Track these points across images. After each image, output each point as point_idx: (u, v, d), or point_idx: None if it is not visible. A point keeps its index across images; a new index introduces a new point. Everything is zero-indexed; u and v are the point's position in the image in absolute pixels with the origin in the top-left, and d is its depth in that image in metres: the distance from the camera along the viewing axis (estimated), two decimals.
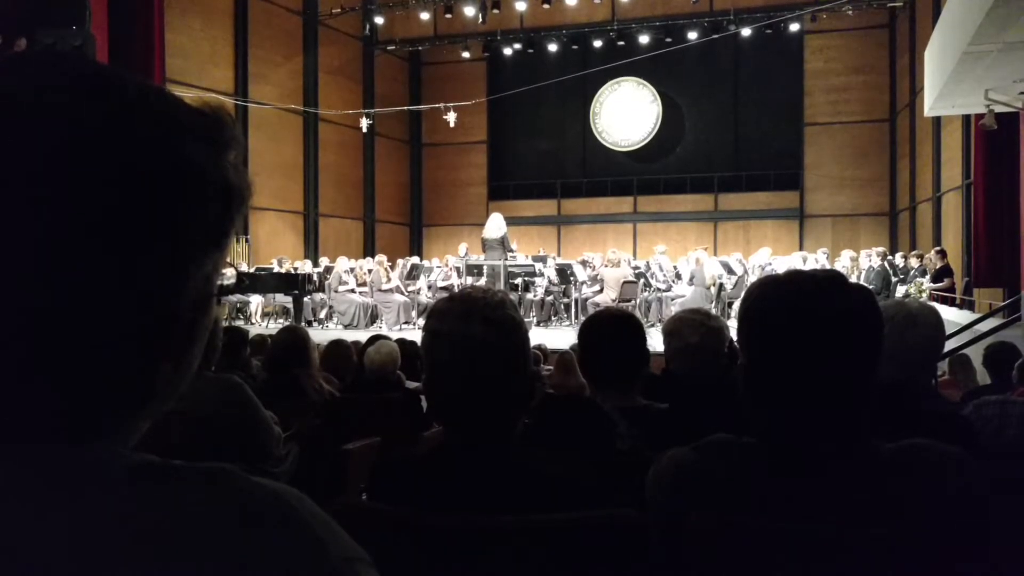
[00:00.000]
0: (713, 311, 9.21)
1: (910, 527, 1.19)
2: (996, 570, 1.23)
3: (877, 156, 20.75)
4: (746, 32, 19.41)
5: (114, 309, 0.52)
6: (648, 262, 14.98)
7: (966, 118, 12.93)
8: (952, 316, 9.91)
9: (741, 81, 21.82)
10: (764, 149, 21.49)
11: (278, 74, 19.28)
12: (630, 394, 2.28)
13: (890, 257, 14.42)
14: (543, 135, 22.99)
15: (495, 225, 13.36)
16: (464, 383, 1.40)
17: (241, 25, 18.11)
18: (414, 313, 13.82)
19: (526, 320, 1.52)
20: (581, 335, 2.39)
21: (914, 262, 13.52)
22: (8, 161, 0.50)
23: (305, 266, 15.04)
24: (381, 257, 14.82)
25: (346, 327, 13.29)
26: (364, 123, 19.94)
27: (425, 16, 20.47)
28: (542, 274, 13.81)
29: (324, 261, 15.67)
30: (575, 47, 21.33)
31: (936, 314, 2.24)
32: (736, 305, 12.19)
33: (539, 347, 7.21)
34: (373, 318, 13.79)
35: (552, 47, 21.33)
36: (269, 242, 18.17)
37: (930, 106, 10.28)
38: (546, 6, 19.39)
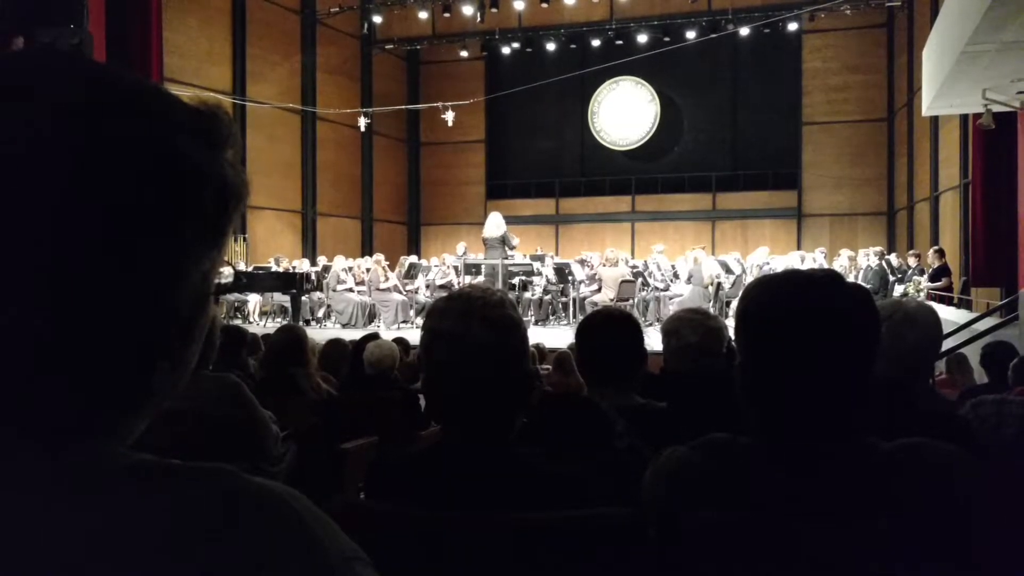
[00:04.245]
0: (711, 310, 9.22)
1: (907, 526, 1.19)
2: (993, 569, 1.23)
3: (875, 155, 20.77)
4: (744, 31, 19.41)
5: (111, 308, 0.52)
6: (646, 261, 14.98)
7: (964, 118, 12.94)
8: (949, 315, 9.92)
9: (739, 80, 21.83)
10: (762, 148, 21.50)
11: (276, 73, 19.27)
12: (628, 393, 2.29)
13: (887, 256, 14.43)
14: (541, 134, 22.98)
15: (494, 224, 13.36)
16: (463, 382, 1.40)
17: (239, 24, 18.09)
18: (412, 312, 13.81)
19: (524, 319, 1.52)
20: (579, 334, 2.39)
21: (912, 261, 13.54)
22: (4, 160, 0.50)
23: (303, 265, 15.04)
24: (379, 256, 14.82)
25: (344, 326, 13.29)
26: (362, 122, 19.93)
27: (423, 15, 20.45)
28: (540, 273, 13.81)
29: (322, 260, 15.66)
30: (573, 46, 21.31)
31: (933, 313, 2.24)
32: (734, 304, 12.19)
33: (537, 346, 7.21)
34: (371, 317, 13.79)
35: (550, 46, 21.31)
36: (267, 241, 18.16)
37: (928, 106, 10.29)
38: (544, 5, 19.38)
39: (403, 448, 2.86)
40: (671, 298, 13.58)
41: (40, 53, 0.54)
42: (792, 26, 19.47)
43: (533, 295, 13.86)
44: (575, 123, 22.80)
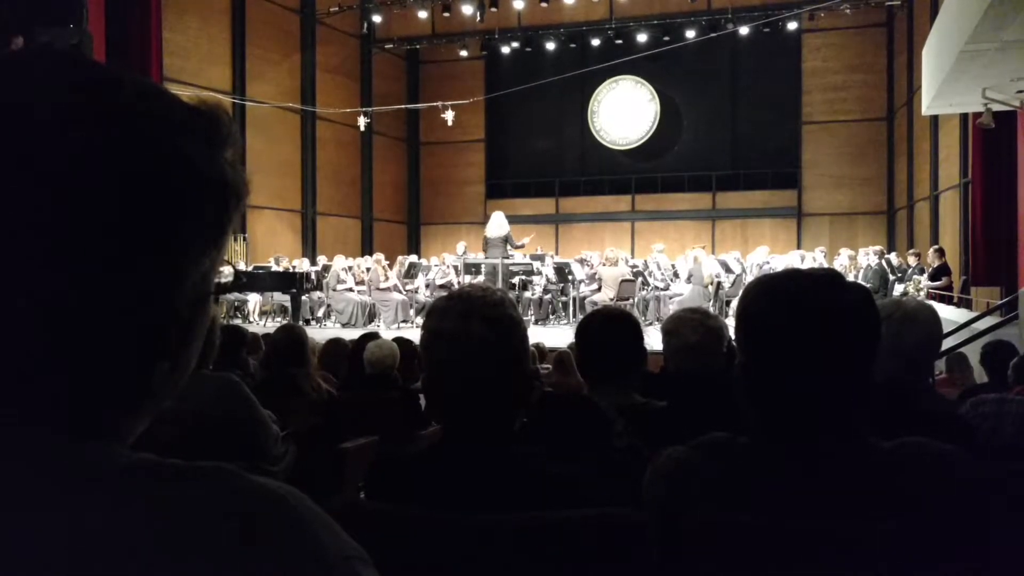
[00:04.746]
0: (711, 310, 9.21)
1: (907, 525, 1.19)
2: (993, 568, 1.23)
3: (875, 155, 20.77)
4: (744, 31, 19.41)
5: (112, 308, 0.52)
6: (646, 260, 14.98)
7: (964, 117, 12.94)
8: (949, 314, 9.92)
9: (739, 79, 21.83)
10: (762, 147, 21.50)
11: (276, 72, 19.26)
12: (628, 392, 2.29)
13: (887, 256, 14.44)
14: (541, 134, 22.98)
15: (497, 223, 13.35)
16: (463, 382, 1.40)
17: (239, 23, 18.09)
18: (412, 312, 13.82)
19: (524, 319, 1.52)
20: (579, 334, 2.39)
21: (912, 260, 13.54)
22: (5, 160, 0.50)
23: (303, 265, 15.04)
24: (379, 256, 14.82)
25: (344, 326, 13.29)
26: (362, 121, 19.91)
27: (423, 14, 20.44)
28: (540, 273, 13.81)
29: (322, 260, 15.66)
30: (573, 45, 21.31)
31: (933, 312, 2.24)
32: (734, 304, 12.18)
33: (537, 346, 7.21)
34: (371, 317, 13.79)
35: (550, 45, 21.32)
36: (267, 240, 18.15)
37: (928, 105, 10.29)
38: (544, 4, 19.38)
39: (403, 448, 2.86)
40: (671, 297, 13.58)
41: (40, 53, 0.54)
42: (792, 25, 19.47)
43: (533, 295, 13.86)
44: (575, 122, 22.79)
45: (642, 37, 20.22)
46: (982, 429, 2.43)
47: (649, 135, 22.20)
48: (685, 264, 14.50)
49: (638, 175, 22.38)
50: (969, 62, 7.68)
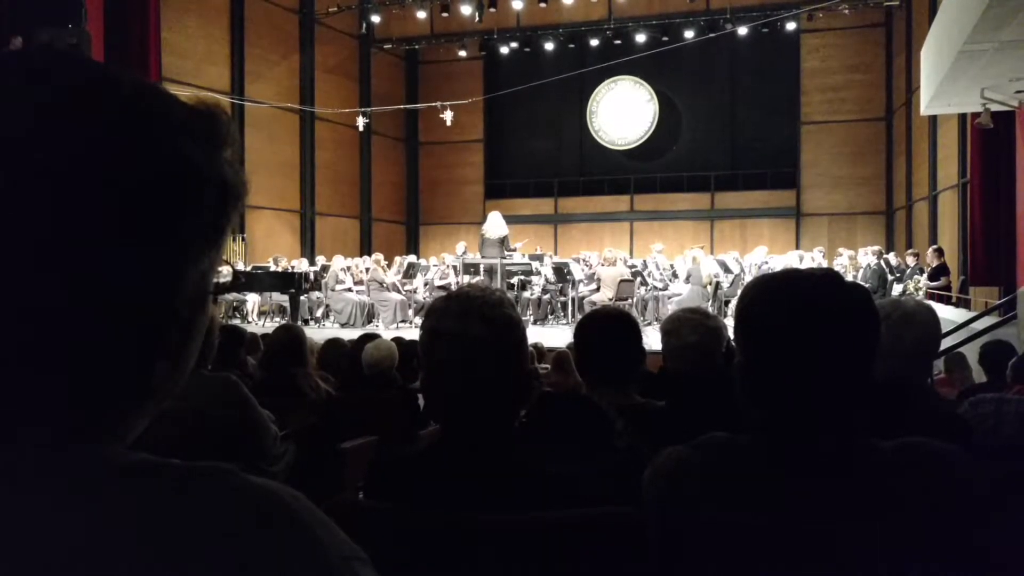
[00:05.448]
0: (710, 310, 9.22)
1: (907, 525, 1.19)
2: (993, 568, 1.23)
3: (873, 155, 20.78)
4: (743, 31, 19.43)
5: (111, 307, 0.52)
6: (645, 261, 14.98)
7: (962, 117, 12.95)
8: (948, 314, 9.92)
9: (738, 80, 21.84)
10: (761, 148, 21.52)
11: (275, 72, 19.26)
12: (627, 392, 2.29)
13: (886, 256, 14.44)
14: (540, 134, 22.99)
15: (496, 224, 13.32)
16: (462, 382, 1.40)
17: (238, 23, 18.09)
18: (411, 312, 13.82)
19: (523, 319, 1.52)
20: (577, 334, 2.39)
21: (910, 260, 13.54)
22: (3, 160, 0.50)
23: (302, 265, 15.04)
24: (378, 256, 14.83)
25: (343, 326, 13.28)
26: (361, 122, 19.92)
27: (422, 15, 20.45)
28: (539, 273, 13.81)
29: (321, 260, 15.67)
30: (572, 46, 21.32)
31: (932, 312, 2.24)
32: (733, 304, 12.18)
33: (536, 345, 7.20)
34: (370, 317, 13.79)
35: (549, 46, 21.33)
36: (265, 241, 18.16)
37: (926, 105, 10.30)
38: (543, 5, 19.39)
39: (403, 448, 2.86)
40: (670, 297, 13.58)
41: (40, 53, 0.54)
42: (790, 25, 19.50)
43: (532, 294, 13.86)
44: (573, 123, 22.81)
45: (641, 37, 20.24)
46: (981, 429, 2.43)
47: (648, 135, 22.22)
48: (684, 264, 14.50)
49: (637, 175, 22.40)
50: (968, 62, 7.68)
